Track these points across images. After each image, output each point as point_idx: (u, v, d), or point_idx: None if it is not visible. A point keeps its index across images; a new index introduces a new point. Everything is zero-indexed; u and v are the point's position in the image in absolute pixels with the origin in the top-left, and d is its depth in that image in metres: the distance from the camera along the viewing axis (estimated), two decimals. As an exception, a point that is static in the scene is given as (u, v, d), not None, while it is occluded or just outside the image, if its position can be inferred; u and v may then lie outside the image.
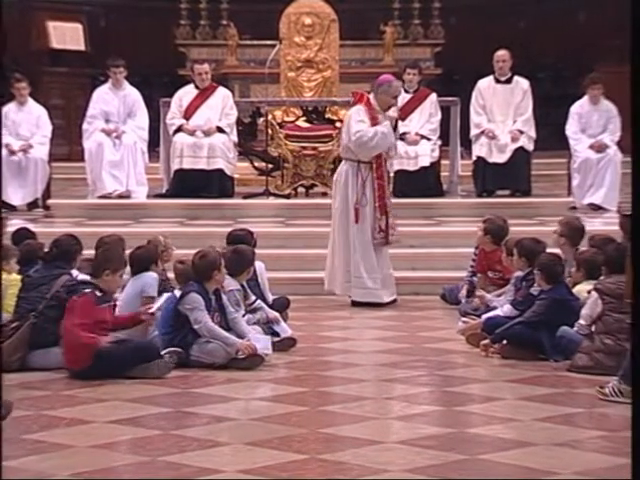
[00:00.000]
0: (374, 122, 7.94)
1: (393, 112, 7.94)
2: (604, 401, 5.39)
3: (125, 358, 5.93)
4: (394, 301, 8.06)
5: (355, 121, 7.98)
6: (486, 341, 6.48)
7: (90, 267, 6.31)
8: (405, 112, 10.44)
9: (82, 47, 15.19)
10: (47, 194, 10.74)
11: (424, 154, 10.33)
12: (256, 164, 10.91)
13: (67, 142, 13.68)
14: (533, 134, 10.57)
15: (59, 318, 6.09)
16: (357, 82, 13.43)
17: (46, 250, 6.71)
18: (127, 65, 10.68)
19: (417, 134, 10.37)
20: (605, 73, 12.50)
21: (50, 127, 10.86)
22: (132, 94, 10.68)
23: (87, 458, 4.57)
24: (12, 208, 10.39)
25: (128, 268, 6.82)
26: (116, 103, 10.58)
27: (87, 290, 6.01)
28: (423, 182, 10.23)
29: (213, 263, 6.34)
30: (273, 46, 11.41)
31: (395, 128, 7.94)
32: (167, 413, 5.27)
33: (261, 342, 6.29)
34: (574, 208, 10.32)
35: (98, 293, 6.02)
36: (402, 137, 10.30)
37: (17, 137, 10.68)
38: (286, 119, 11.34)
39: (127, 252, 6.94)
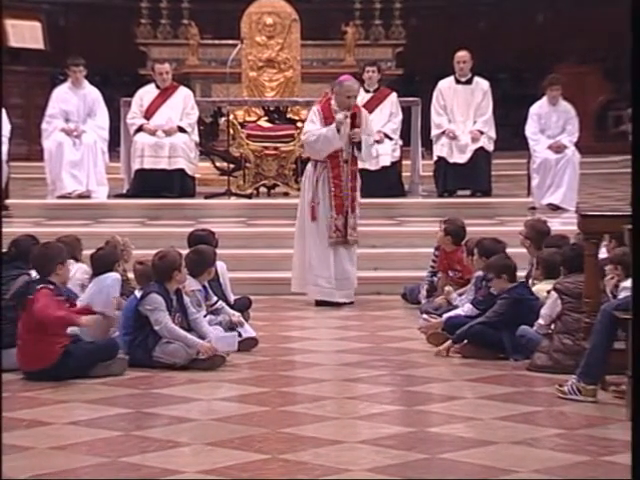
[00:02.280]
0: (327, 122, 7.98)
1: (341, 116, 7.90)
2: (563, 399, 5.44)
3: (89, 357, 5.93)
4: (350, 303, 8.06)
5: (308, 120, 8.12)
6: (448, 343, 6.50)
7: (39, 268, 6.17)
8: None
9: (41, 46, 15.07)
10: (5, 194, 10.63)
11: (385, 153, 10.35)
12: (218, 164, 10.88)
13: (26, 141, 13.57)
14: (493, 134, 10.64)
15: (19, 319, 6.03)
16: (319, 82, 13.46)
17: (4, 250, 6.64)
18: (87, 64, 10.60)
19: (380, 131, 10.37)
20: (564, 74, 12.64)
21: (9, 126, 10.75)
22: (92, 93, 10.60)
23: (47, 460, 4.54)
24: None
25: (88, 268, 6.79)
26: (76, 102, 10.50)
27: (41, 286, 5.96)
28: (384, 182, 10.26)
29: (173, 263, 6.32)
30: (234, 46, 11.40)
31: (353, 127, 7.88)
32: (128, 414, 5.25)
33: (226, 339, 6.29)
34: (533, 208, 10.41)
35: (51, 286, 5.98)
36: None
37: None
38: (248, 119, 11.34)
39: (87, 253, 6.91)
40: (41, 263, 6.09)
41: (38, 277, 6.12)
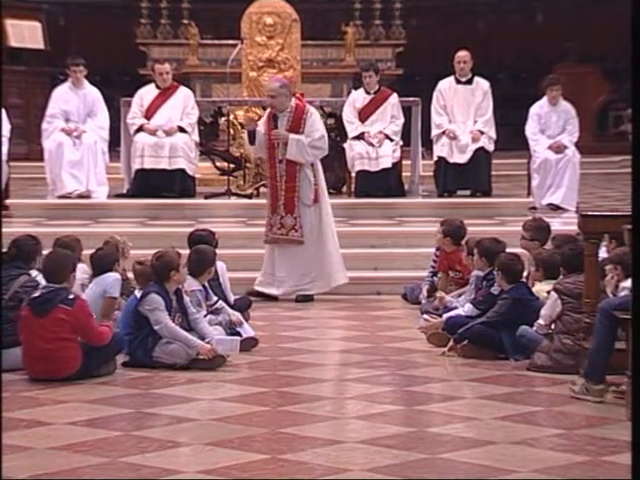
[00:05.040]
0: (268, 123, 8.22)
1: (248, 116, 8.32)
2: (564, 399, 5.44)
3: (108, 354, 5.98)
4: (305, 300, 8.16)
5: None
6: (451, 343, 6.50)
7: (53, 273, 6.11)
8: (366, 113, 10.47)
9: (41, 46, 15.08)
10: (6, 194, 10.63)
11: (385, 155, 10.34)
12: (218, 164, 10.88)
13: (26, 141, 13.59)
14: (493, 135, 10.63)
15: (18, 319, 6.02)
16: (319, 82, 13.48)
17: (5, 250, 6.64)
18: (87, 64, 10.60)
19: (381, 132, 10.34)
20: (563, 74, 12.65)
21: (9, 126, 10.75)
22: (92, 93, 10.61)
23: (46, 460, 4.54)
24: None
25: (88, 268, 6.80)
26: (76, 102, 10.50)
27: (73, 296, 5.92)
28: (385, 182, 10.25)
29: (170, 263, 6.31)
30: (234, 46, 11.40)
31: (253, 136, 8.20)
32: (127, 414, 5.25)
33: (227, 342, 6.29)
34: (534, 208, 10.41)
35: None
36: (362, 137, 10.33)
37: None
38: (248, 119, 11.33)
39: (87, 253, 6.92)
40: (56, 271, 5.98)
41: (53, 284, 5.97)
